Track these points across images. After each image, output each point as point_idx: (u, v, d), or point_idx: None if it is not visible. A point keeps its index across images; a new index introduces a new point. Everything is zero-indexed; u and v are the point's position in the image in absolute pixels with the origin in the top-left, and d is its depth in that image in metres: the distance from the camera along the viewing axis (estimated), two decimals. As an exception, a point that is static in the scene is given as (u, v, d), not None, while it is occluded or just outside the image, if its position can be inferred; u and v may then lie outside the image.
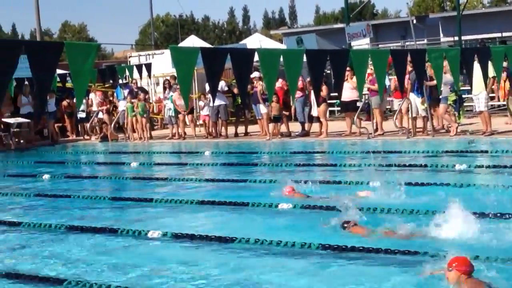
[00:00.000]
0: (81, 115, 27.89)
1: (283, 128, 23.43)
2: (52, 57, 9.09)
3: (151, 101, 30.11)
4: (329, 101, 23.45)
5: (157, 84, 31.56)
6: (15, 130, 26.67)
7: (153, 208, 12.38)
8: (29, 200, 14.28)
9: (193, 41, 33.34)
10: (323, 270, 8.14)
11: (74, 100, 27.80)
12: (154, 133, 27.31)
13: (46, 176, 17.11)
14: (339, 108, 27.43)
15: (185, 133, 25.37)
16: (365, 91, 21.01)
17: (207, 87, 24.95)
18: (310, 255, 8.62)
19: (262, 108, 23.10)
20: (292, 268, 8.29)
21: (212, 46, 36.46)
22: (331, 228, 9.63)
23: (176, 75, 26.11)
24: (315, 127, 22.84)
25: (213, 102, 21.86)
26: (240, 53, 12.25)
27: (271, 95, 13.89)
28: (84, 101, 25.80)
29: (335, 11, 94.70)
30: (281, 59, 12.41)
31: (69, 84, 28.05)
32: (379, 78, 15.42)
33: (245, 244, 9.24)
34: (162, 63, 30.25)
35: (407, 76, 18.33)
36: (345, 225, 9.56)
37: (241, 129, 25.14)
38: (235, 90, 24.86)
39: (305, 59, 13.14)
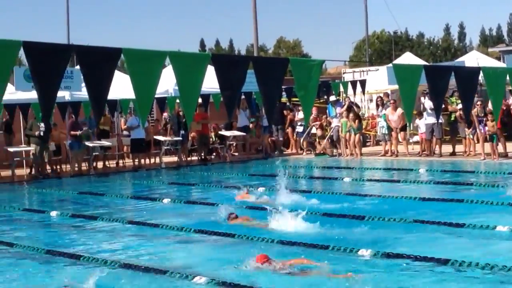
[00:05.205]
0: (299, 129, 28.23)
1: (500, 149, 22.56)
2: (278, 72, 9.30)
3: (364, 117, 30.09)
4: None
5: (371, 100, 31.49)
6: (230, 142, 27.53)
7: (364, 224, 12.12)
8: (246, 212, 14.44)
9: (409, 59, 33.05)
10: None
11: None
12: (366, 149, 27.27)
13: (261, 189, 17.34)
14: None
15: (397, 151, 25.10)
16: None
17: (422, 106, 24.67)
18: None
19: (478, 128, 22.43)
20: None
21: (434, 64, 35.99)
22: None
23: (389, 92, 26.43)
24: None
25: (438, 119, 21.52)
26: (464, 71, 11.91)
27: (497, 114, 13.42)
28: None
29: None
30: (507, 77, 11.95)
31: (283, 99, 28.61)
32: None
33: (459, 266, 8.93)
34: (376, 79, 30.17)
35: None
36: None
37: (453, 147, 24.44)
38: (449, 108, 24.31)
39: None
